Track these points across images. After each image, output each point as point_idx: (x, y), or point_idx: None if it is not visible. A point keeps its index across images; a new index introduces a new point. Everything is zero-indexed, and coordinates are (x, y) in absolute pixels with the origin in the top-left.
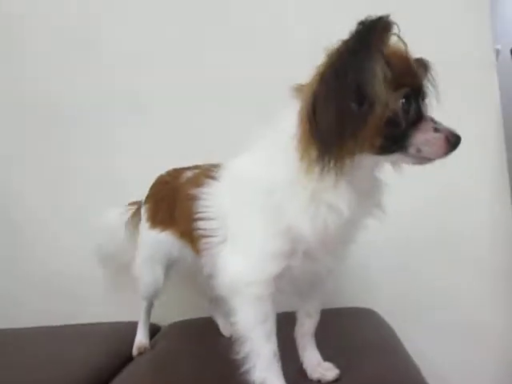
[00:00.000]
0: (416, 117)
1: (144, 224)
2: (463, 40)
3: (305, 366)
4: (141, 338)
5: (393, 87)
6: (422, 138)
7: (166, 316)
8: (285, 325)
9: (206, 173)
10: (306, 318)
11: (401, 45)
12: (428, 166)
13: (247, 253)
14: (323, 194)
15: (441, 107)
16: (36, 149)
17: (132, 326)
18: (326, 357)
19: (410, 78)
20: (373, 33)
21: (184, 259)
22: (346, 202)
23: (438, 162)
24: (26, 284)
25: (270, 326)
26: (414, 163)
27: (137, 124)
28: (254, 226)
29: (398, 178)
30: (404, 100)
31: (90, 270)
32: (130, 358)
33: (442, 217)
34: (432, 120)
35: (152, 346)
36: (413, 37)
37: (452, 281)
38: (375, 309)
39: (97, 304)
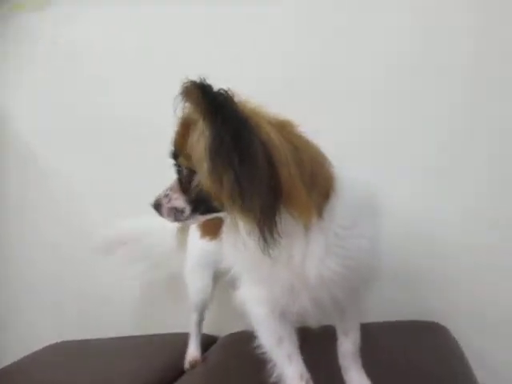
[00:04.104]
0: None
1: (194, 232)
2: None
3: None
4: (192, 351)
5: None
6: None
7: (224, 326)
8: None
9: None
10: (343, 336)
11: None
12: None
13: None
14: None
15: None
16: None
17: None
18: (375, 381)
19: None
20: None
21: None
22: None
23: None
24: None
25: (289, 346)
26: None
27: None
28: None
29: None
30: None
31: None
32: (182, 372)
33: None
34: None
35: (205, 358)
36: None
37: None
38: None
39: (152, 315)
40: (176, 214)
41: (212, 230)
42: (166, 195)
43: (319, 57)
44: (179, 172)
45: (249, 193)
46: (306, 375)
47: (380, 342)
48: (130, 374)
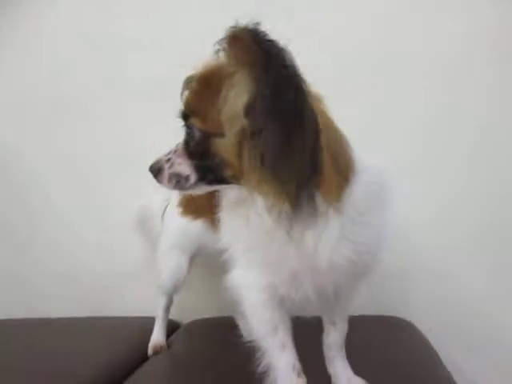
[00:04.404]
0: None
1: (173, 209)
2: None
3: (334, 379)
4: (157, 337)
5: None
6: None
7: (187, 312)
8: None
9: None
10: (331, 326)
11: None
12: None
13: (242, 262)
14: None
15: None
16: (58, 144)
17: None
18: (356, 370)
19: None
20: None
21: (213, 251)
22: None
23: None
24: (51, 275)
25: (282, 335)
26: None
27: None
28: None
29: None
30: None
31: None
32: (145, 357)
33: (488, 235)
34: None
35: (169, 345)
36: None
37: (495, 291)
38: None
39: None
40: (178, 182)
41: (196, 209)
42: (168, 159)
43: None
44: (189, 134)
45: (291, 162)
46: (298, 366)
47: (356, 334)
48: (91, 357)
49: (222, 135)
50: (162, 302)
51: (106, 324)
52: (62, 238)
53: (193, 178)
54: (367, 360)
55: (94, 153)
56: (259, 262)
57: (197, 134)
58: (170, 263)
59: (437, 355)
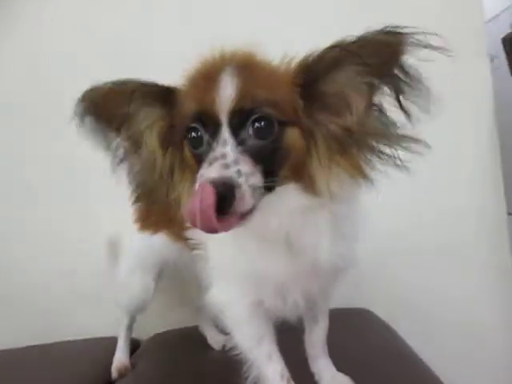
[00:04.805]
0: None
1: (130, 226)
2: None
3: (317, 377)
4: (120, 358)
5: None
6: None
7: (145, 328)
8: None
9: None
10: (313, 324)
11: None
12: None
13: (224, 277)
14: None
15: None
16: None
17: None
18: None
19: (195, 104)
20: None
21: (179, 264)
22: None
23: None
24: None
25: (268, 346)
26: None
27: None
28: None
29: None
30: (190, 132)
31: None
32: (109, 382)
33: (437, 220)
34: (215, 158)
35: (133, 365)
36: None
37: (446, 281)
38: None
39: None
40: (254, 197)
41: (155, 221)
42: (238, 171)
43: None
44: (260, 130)
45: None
46: (287, 374)
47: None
48: None
49: (296, 123)
50: (124, 321)
51: (59, 350)
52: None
53: (261, 190)
54: (340, 355)
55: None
56: (245, 274)
57: (275, 126)
58: (134, 285)
59: (404, 342)
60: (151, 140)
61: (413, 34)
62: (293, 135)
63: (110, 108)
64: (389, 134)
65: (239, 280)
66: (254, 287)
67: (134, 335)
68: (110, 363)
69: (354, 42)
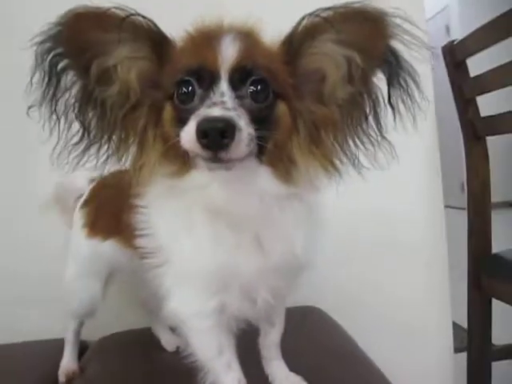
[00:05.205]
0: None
1: (78, 232)
2: None
3: (271, 378)
4: (67, 362)
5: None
6: (183, 131)
7: (93, 330)
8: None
9: None
10: (269, 326)
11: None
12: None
13: (185, 282)
14: None
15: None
16: None
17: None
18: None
19: (194, 59)
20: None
21: (129, 271)
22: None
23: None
24: None
25: (228, 356)
26: (211, 169)
27: None
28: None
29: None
30: (181, 86)
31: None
32: None
33: (383, 222)
34: (214, 103)
35: (82, 369)
36: None
37: (394, 279)
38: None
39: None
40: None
41: (105, 228)
42: (239, 116)
43: None
44: (258, 93)
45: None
46: (244, 381)
47: None
48: None
49: (288, 98)
50: (71, 325)
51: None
52: None
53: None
54: (292, 356)
55: None
56: (209, 271)
57: (270, 93)
58: (82, 291)
59: (351, 340)
60: (128, 75)
61: (393, 15)
62: (283, 109)
63: (92, 33)
64: (361, 123)
65: (201, 281)
66: (217, 287)
67: (82, 337)
68: (57, 367)
69: (326, 9)
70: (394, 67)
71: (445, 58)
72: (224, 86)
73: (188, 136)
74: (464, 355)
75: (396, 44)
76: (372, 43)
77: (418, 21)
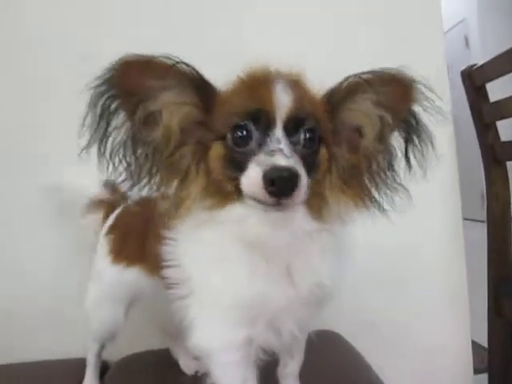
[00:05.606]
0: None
1: (103, 258)
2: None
3: None
4: (89, 383)
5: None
6: (245, 176)
7: (115, 350)
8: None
9: None
10: (288, 358)
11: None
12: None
13: (213, 315)
14: None
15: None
16: None
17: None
18: None
19: (250, 103)
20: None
21: (152, 298)
22: None
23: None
24: None
25: None
26: (267, 210)
27: None
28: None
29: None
30: (237, 131)
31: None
32: None
33: (400, 248)
34: (273, 151)
35: None
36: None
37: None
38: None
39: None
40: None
41: (129, 255)
42: (297, 164)
43: None
44: (308, 141)
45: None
46: None
47: None
48: None
49: (328, 143)
50: (93, 347)
51: (24, 371)
52: None
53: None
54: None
55: None
56: (241, 305)
57: (317, 140)
58: (103, 315)
59: (370, 368)
60: (171, 119)
61: (420, 83)
62: (323, 153)
63: (140, 79)
64: (387, 174)
65: (232, 313)
66: (248, 319)
67: (104, 357)
68: None
69: (367, 73)
70: (414, 128)
71: (464, 82)
72: (279, 132)
73: (252, 181)
74: (484, 376)
75: (417, 108)
76: (401, 106)
77: (435, 33)
